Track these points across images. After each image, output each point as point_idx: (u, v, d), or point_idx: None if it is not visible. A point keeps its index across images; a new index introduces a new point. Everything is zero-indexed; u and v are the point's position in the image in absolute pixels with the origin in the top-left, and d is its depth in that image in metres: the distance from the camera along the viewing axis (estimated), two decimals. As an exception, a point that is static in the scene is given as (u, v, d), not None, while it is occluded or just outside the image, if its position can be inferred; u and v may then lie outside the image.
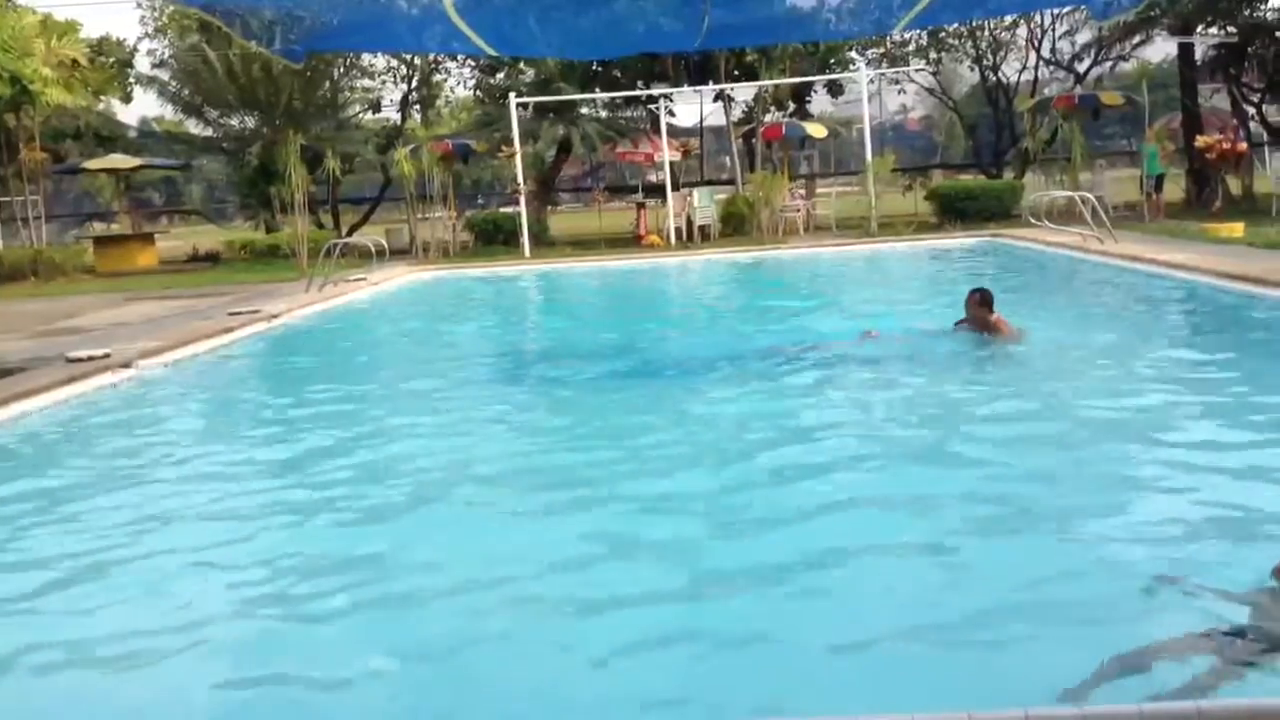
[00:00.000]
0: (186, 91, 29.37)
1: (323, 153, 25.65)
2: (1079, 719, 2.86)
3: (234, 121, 29.81)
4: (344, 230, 29.65)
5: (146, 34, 32.55)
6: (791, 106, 31.46)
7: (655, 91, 27.06)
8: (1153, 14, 27.66)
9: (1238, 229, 17.11)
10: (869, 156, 25.08)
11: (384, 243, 19.40)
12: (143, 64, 32.59)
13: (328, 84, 30.27)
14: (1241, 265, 12.66)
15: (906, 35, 31.48)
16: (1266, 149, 28.74)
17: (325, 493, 6.27)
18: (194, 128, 31.19)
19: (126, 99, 34.55)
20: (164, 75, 30.42)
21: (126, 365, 10.33)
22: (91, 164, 29.26)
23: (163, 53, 31.85)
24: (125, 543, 5.45)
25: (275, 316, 13.97)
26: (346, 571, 4.94)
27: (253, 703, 3.85)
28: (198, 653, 4.17)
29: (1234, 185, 24.69)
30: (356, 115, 33.25)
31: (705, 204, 25.65)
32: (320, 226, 28.40)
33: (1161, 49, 31.67)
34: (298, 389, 9.88)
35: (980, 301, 9.47)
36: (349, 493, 6.27)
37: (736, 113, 31.17)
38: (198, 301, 16.89)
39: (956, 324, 9.65)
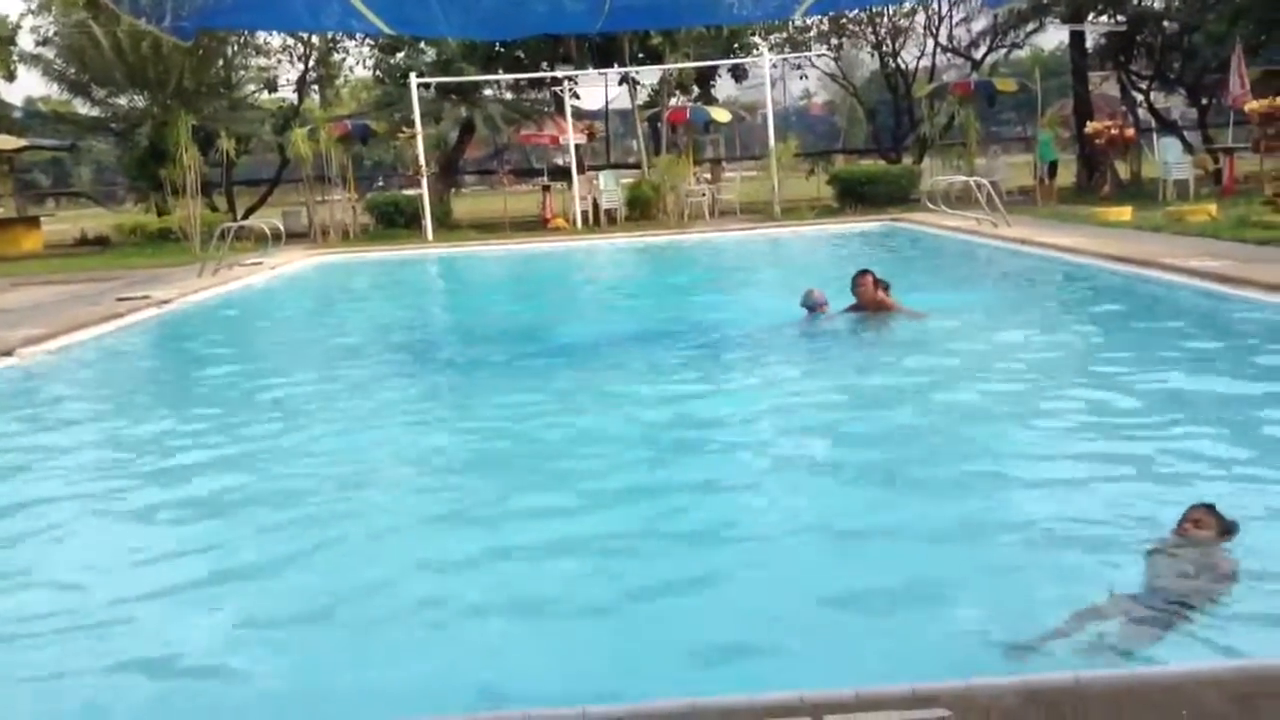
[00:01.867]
0: (73, 70, 28.31)
1: (216, 133, 24.94)
2: (961, 690, 2.91)
3: (123, 101, 28.81)
4: (239, 213, 28.89)
5: (30, 10, 31.23)
6: (696, 91, 31.55)
7: (559, 73, 26.87)
8: (1045, 2, 28.41)
9: (1125, 213, 17.66)
10: (772, 141, 25.28)
11: (280, 226, 18.94)
12: (26, 41, 31.31)
13: (221, 62, 29.42)
14: (1127, 248, 13.07)
15: (808, 21, 31.86)
16: (1154, 134, 29.70)
17: (214, 483, 6.09)
18: (81, 107, 30.12)
19: (10, 77, 33.24)
20: (49, 53, 29.24)
21: (8, 353, 9.93)
22: (-27, 145, 28.05)
23: (47, 30, 30.55)
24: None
25: (166, 302, 13.56)
26: (229, 571, 4.82)
27: (129, 691, 3.74)
28: (69, 652, 4.03)
29: (1122, 170, 25.48)
30: (251, 95, 32.37)
31: (611, 187, 25.61)
32: (214, 209, 27.66)
33: (1054, 37, 32.62)
34: (189, 377, 9.61)
35: (873, 282, 9.69)
36: (239, 483, 6.10)
37: (642, 96, 31.15)
38: (85, 287, 16.29)
39: (847, 307, 9.83)
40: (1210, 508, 4.32)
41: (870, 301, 9.69)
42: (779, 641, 3.89)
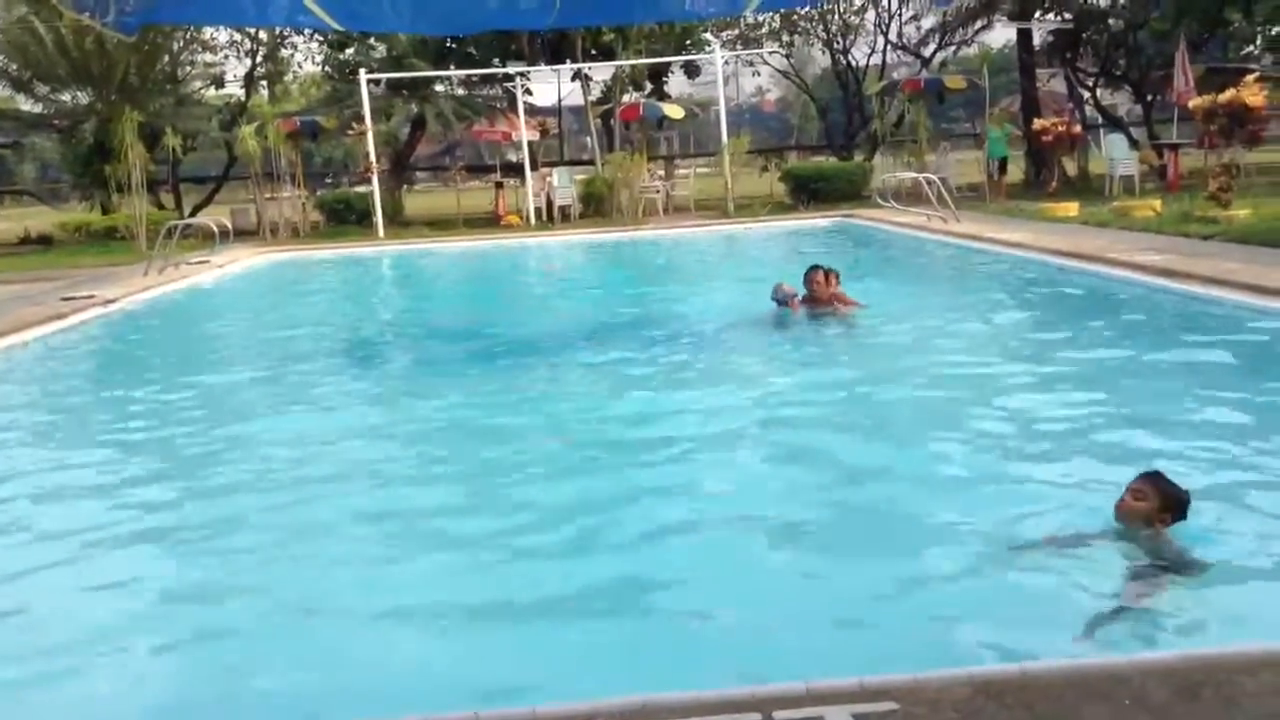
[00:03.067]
0: (14, 66, 27.67)
1: (162, 130, 24.56)
2: (910, 683, 2.92)
3: (66, 98, 28.20)
4: (187, 211, 28.46)
5: (-31, 6, 30.54)
6: (649, 87, 31.54)
7: (511, 69, 26.73)
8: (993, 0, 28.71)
9: (1072, 209, 17.89)
10: (725, 138, 25.33)
11: (228, 224, 18.67)
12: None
13: (167, 58, 28.92)
14: (1074, 243, 13.25)
15: (760, 18, 31.95)
16: (1101, 131, 30.11)
17: (154, 485, 6.01)
18: (24, 104, 29.46)
19: (-50, 75, 32.39)
20: (-10, 50, 28.62)
21: (-55, 354, 9.72)
22: (-88, 142, 27.44)
23: (-12, 26, 29.92)
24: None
25: (112, 301, 13.33)
26: (164, 578, 4.75)
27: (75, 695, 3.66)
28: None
29: (1070, 166, 25.80)
30: (198, 91, 31.87)
31: (565, 184, 25.53)
32: (161, 207, 27.24)
33: (1002, 34, 32.88)
34: (134, 378, 9.43)
35: (824, 278, 9.82)
36: (178, 485, 6.02)
37: (595, 92, 31.10)
38: (29, 286, 15.97)
39: (801, 299, 9.92)
40: (1154, 476, 4.26)
41: (823, 296, 9.84)
42: (729, 638, 3.89)
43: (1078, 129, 24.00)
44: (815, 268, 10.02)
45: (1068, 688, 2.88)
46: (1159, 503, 4.17)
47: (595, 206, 25.12)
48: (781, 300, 9.91)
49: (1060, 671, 2.99)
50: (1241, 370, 7.29)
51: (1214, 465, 5.24)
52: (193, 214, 26.49)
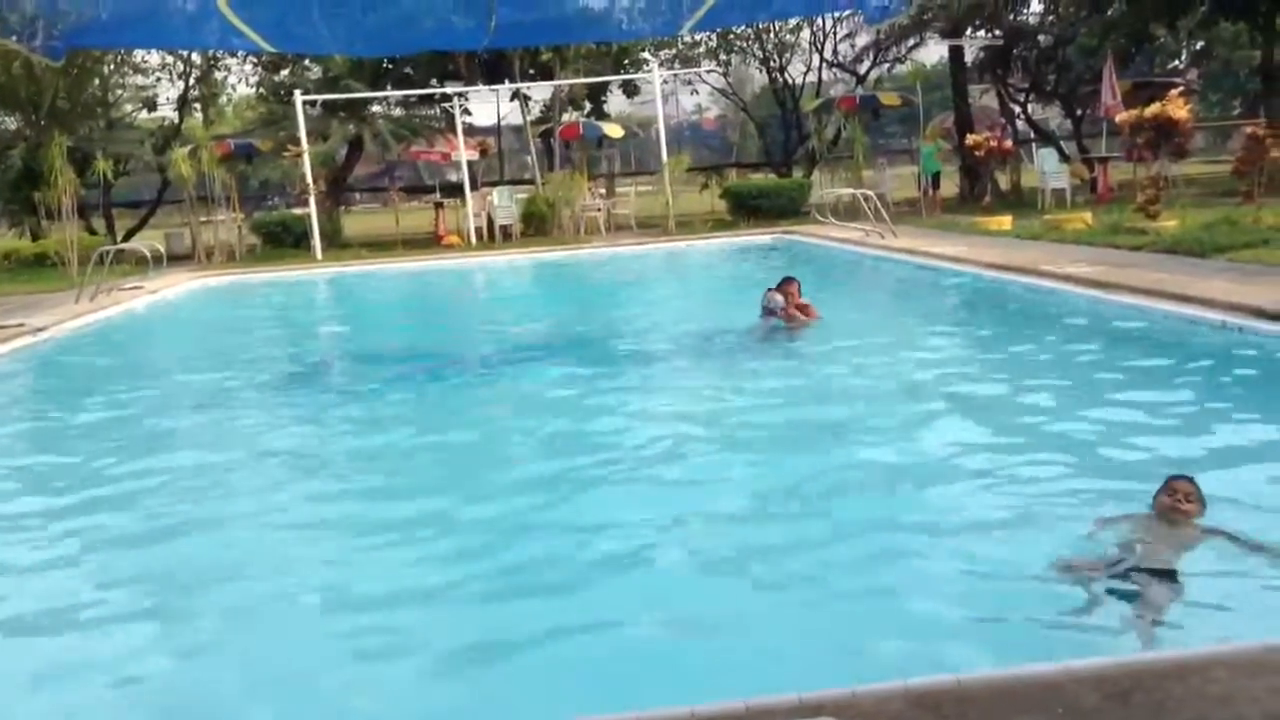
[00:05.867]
0: (-61, 92, 27.09)
1: (93, 154, 24.11)
2: (847, 697, 2.93)
3: (-7, 123, 27.70)
4: (120, 236, 27.97)
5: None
6: (589, 106, 31.62)
7: (449, 90, 26.64)
8: (925, 18, 29.20)
9: (1006, 222, 18.20)
10: (665, 156, 25.45)
11: (161, 248, 18.37)
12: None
13: (97, 81, 28.47)
14: (1008, 256, 13.47)
15: (697, 37, 32.19)
16: (1033, 145, 30.71)
17: (94, 518, 5.86)
18: (-50, 130, 28.82)
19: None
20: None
21: None
22: None
23: (-91, 49, 29.23)
24: None
25: (41, 330, 13.02)
26: (92, 608, 4.63)
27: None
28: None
29: (1003, 180, 26.28)
30: (130, 114, 31.41)
31: (505, 203, 25.47)
32: (93, 232, 26.70)
33: (935, 51, 33.52)
34: (66, 408, 9.22)
35: (796, 290, 10.11)
36: (119, 520, 5.87)
37: (535, 112, 31.10)
38: (-47, 315, 15.56)
39: (781, 310, 10.09)
40: (1192, 480, 4.51)
41: (795, 307, 10.09)
42: (667, 657, 3.88)
43: (1009, 144, 24.45)
44: (789, 280, 10.20)
45: (1001, 697, 2.91)
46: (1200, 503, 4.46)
47: (536, 226, 25.09)
48: (772, 310, 10.01)
49: (994, 681, 3.01)
50: (1167, 374, 7.47)
51: (1142, 466, 5.33)
52: (126, 239, 26.06)
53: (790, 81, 34.79)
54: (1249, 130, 17.18)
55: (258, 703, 3.74)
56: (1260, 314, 8.33)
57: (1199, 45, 36.86)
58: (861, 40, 33.56)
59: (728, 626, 4.07)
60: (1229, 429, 6.08)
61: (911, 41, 32.32)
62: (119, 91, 30.44)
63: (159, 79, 31.02)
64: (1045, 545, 4.40)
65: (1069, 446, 5.86)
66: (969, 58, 30.27)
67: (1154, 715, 2.78)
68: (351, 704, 3.70)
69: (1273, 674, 2.94)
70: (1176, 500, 4.43)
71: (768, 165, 35.73)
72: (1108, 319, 9.77)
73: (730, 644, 3.93)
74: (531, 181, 28.67)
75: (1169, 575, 4.03)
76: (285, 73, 29.09)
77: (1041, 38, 29.54)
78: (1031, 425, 6.41)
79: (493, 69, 27.94)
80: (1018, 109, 31.40)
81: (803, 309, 10.09)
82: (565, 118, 29.31)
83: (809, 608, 4.20)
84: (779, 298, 10.04)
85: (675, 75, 34.40)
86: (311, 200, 23.70)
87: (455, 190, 27.93)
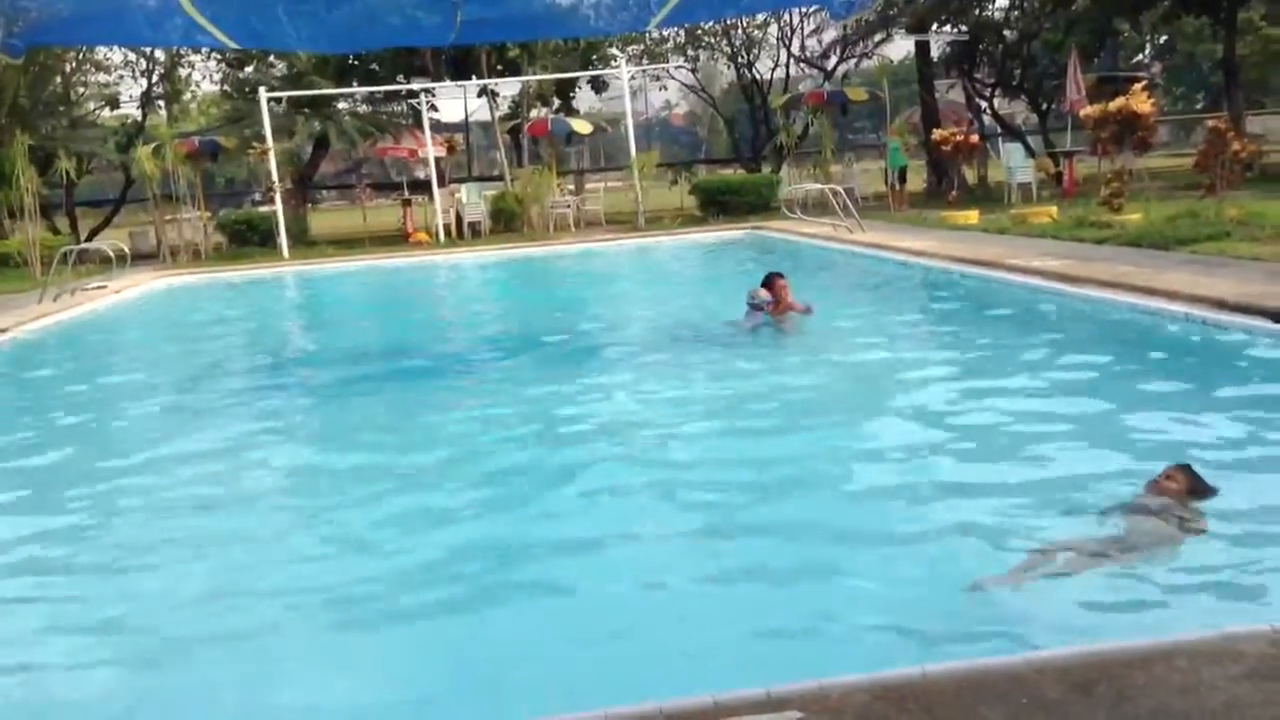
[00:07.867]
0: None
1: (55, 153, 23.81)
2: (814, 690, 2.93)
3: (-49, 122, 27.29)
4: (83, 235, 27.64)
5: None
6: (557, 103, 31.54)
7: (416, 86, 26.51)
8: (891, 13, 29.33)
9: (973, 216, 18.31)
10: (634, 152, 25.43)
11: (125, 248, 18.17)
12: None
13: (59, 79, 28.14)
14: (975, 250, 13.56)
15: (665, 33, 32.20)
16: (999, 139, 30.93)
17: (64, 521, 5.79)
18: (-93, 129, 28.38)
19: None
20: None
21: None
22: None
23: None
24: None
25: (3, 331, 12.86)
26: (60, 612, 4.57)
27: None
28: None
29: (969, 175, 26.43)
30: (93, 112, 31.05)
31: (474, 200, 25.37)
32: (56, 232, 26.42)
33: (902, 47, 33.70)
34: (30, 411, 9.11)
35: (782, 284, 10.06)
36: (90, 523, 5.80)
37: (503, 108, 31.00)
38: (-88, 317, 15.32)
39: (752, 308, 10.08)
40: (1185, 468, 4.65)
41: (784, 301, 10.07)
42: (636, 653, 3.87)
43: (976, 138, 24.58)
44: (777, 275, 10.17)
45: (966, 689, 2.92)
46: (1185, 488, 4.58)
47: (505, 223, 25.01)
48: (758, 305, 10.03)
49: (959, 673, 3.02)
50: (1133, 366, 7.54)
51: (1112, 455, 5.39)
52: (90, 238, 25.74)
53: (759, 77, 34.86)
54: (1211, 124, 17.34)
55: (227, 702, 3.71)
56: (1222, 305, 8.42)
57: (1162, 39, 37.26)
58: (829, 36, 33.72)
59: (694, 620, 4.07)
60: (1195, 421, 6.11)
61: (878, 37, 32.49)
62: (81, 89, 30.11)
63: (122, 76, 30.78)
64: (1014, 540, 4.44)
65: (1036, 439, 5.91)
66: (935, 53, 30.43)
67: (1117, 704, 2.80)
68: (316, 701, 3.67)
69: (1233, 662, 2.98)
70: (1163, 479, 4.61)
71: (737, 161, 35.79)
72: (1073, 312, 9.85)
73: (696, 639, 3.93)
74: (500, 178, 28.59)
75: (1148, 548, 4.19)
76: (250, 69, 28.82)
77: (1007, 33, 29.73)
78: (994, 421, 6.44)
79: (460, 65, 27.82)
80: (984, 104, 31.60)
81: (791, 306, 10.08)
82: (533, 114, 29.23)
83: (775, 602, 4.20)
84: (763, 293, 10.04)
85: (644, 71, 34.39)
86: (278, 198, 23.53)
87: (423, 187, 27.80)
